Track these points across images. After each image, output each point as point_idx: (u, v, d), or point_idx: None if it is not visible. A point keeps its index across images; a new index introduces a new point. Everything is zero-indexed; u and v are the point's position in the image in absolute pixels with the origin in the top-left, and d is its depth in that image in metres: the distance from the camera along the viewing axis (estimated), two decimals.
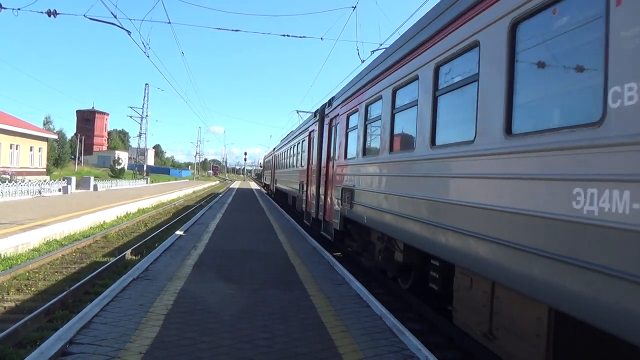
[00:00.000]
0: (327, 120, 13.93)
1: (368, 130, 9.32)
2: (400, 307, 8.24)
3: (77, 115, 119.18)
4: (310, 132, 17.08)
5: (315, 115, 16.22)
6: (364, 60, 16.38)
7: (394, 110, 7.65)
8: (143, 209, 27.63)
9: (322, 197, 13.61)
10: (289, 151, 25.49)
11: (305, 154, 17.86)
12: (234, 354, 4.61)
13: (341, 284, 7.94)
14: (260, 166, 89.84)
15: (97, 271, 10.43)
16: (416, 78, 6.64)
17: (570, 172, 3.41)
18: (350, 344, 5.06)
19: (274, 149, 40.52)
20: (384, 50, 9.72)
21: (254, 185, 71.80)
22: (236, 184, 75.60)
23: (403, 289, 8.51)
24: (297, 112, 35.84)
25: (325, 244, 12.95)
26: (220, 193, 45.54)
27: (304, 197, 17.56)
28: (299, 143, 20.47)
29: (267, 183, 51.95)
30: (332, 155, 12.80)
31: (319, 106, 25.61)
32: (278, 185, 32.42)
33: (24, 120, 48.47)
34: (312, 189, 15.58)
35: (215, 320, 5.62)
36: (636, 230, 2.80)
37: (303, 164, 18.39)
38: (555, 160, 3.57)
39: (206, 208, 24.24)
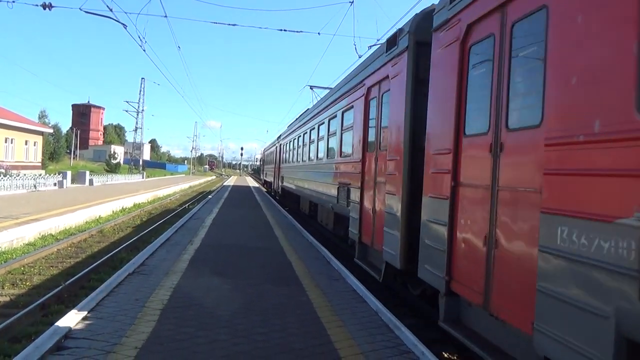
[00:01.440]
0: (443, 36, 5.83)
1: None
2: (397, 302, 8.25)
3: (72, 109, 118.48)
4: (369, 89, 8.89)
5: (391, 45, 7.66)
6: (361, 56, 16.25)
7: None
8: (139, 203, 27.56)
9: (442, 231, 5.47)
10: (308, 135, 16.50)
11: (356, 134, 9.61)
12: (230, 349, 4.60)
13: (338, 280, 7.95)
14: (259, 160, 76.40)
15: (93, 265, 10.38)
16: None
17: None
18: (347, 339, 5.07)
19: (279, 137, 30.91)
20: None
21: (251, 182, 64.14)
22: (231, 180, 69.36)
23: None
24: (311, 87, 24.68)
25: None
26: (213, 191, 40.20)
27: (356, 215, 9.16)
28: (335, 117, 11.81)
29: (268, 180, 41.48)
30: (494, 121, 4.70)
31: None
32: (286, 184, 23.49)
33: (18, 113, 48.26)
34: (386, 203, 7.43)
35: (211, 315, 5.61)
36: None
37: (348, 151, 10.25)
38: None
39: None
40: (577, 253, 3.25)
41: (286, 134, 25.89)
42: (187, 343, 4.71)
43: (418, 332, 6.05)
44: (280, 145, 28.24)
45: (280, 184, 26.96)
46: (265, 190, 42.78)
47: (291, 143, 22.36)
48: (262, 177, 58.29)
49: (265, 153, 48.36)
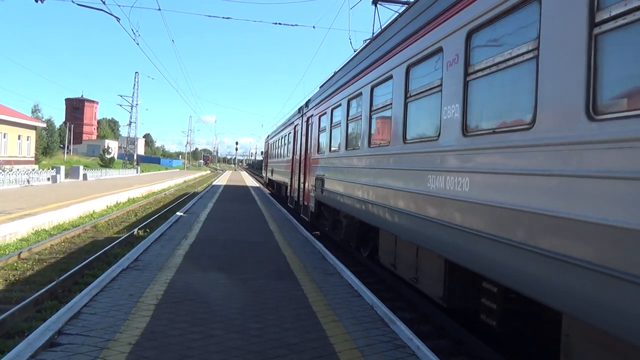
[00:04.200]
0: None
1: None
2: (392, 296, 8.27)
3: (66, 104, 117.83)
4: None
5: None
6: (356, 50, 16.14)
7: None
8: (133, 198, 27.45)
9: None
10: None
11: None
12: (225, 344, 4.58)
13: (333, 274, 7.94)
14: (262, 153, 54.76)
15: (87, 261, 10.34)
16: None
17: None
18: (342, 333, 5.06)
19: (303, 107, 17.62)
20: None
21: (248, 180, 48.23)
22: (224, 179, 50.95)
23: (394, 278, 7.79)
24: (375, 3, 11.86)
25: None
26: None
27: None
28: None
29: (277, 181, 27.26)
30: None
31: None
32: (335, 196, 10.73)
33: (11, 108, 47.85)
34: None
35: (206, 311, 5.59)
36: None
37: None
38: None
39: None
40: None
41: (324, 95, 13.23)
42: (181, 338, 4.68)
43: (413, 326, 6.07)
44: (310, 122, 15.40)
45: (312, 193, 14.02)
46: (268, 192, 31.32)
47: (359, 106, 9.21)
48: (265, 174, 40.79)
49: (270, 142, 33.10)
